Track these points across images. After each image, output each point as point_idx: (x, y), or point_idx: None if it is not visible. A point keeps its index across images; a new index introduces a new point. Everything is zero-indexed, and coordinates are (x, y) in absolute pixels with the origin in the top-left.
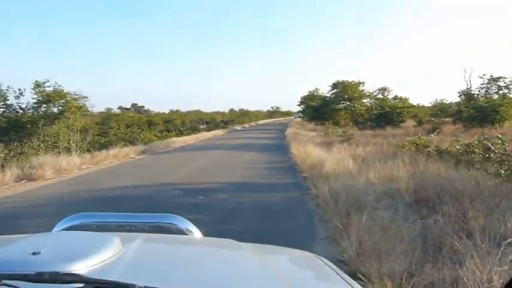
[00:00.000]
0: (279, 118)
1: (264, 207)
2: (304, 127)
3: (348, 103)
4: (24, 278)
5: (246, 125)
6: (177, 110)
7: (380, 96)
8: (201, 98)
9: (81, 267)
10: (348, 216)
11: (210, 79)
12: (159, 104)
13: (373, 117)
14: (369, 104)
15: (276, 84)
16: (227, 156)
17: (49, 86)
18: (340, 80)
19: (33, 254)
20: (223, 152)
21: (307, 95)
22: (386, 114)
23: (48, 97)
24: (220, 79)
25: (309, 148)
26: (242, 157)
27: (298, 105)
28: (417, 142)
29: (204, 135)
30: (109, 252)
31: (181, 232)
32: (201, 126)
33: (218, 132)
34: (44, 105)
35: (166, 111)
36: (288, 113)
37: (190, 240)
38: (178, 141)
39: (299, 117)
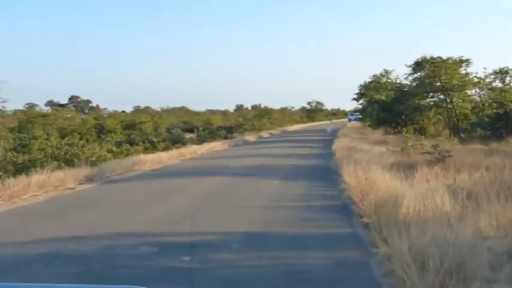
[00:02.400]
0: (321, 122)
1: (296, 277)
2: (364, 137)
3: (442, 96)
4: None
5: (265, 133)
6: (147, 108)
7: (498, 84)
8: (187, 88)
9: None
10: None
11: (204, 59)
12: (115, 98)
13: (485, 121)
14: (477, 98)
15: (315, 66)
16: (232, 187)
17: None
18: (428, 57)
19: None
20: (225, 180)
21: (370, 83)
22: (510, 115)
23: None
24: (220, 60)
25: (374, 174)
26: (258, 188)
27: (354, 99)
28: None
29: (192, 151)
30: None
31: None
32: (188, 136)
33: (217, 145)
34: None
35: (129, 110)
36: (335, 113)
37: None
38: (149, 160)
39: (355, 119)
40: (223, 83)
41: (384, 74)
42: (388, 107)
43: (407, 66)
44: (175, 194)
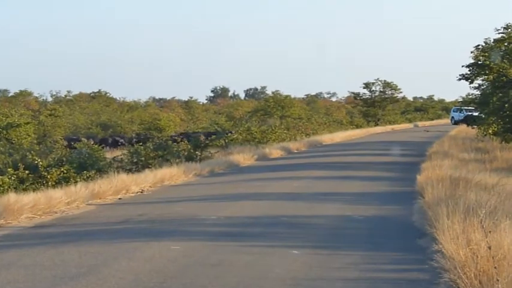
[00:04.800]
0: (394, 126)
1: None
2: (486, 157)
3: None
4: None
5: (275, 149)
6: (22, 95)
7: None
8: (110, 58)
9: None
10: None
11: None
12: None
13: None
14: None
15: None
16: (207, 265)
17: None
18: None
19: None
20: (191, 249)
21: (498, 42)
22: None
23: None
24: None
25: (508, 237)
26: (261, 268)
27: (463, 77)
28: None
29: (121, 188)
30: None
31: None
32: (111, 154)
33: (174, 174)
34: None
35: None
36: (424, 108)
37: None
38: (28, 206)
39: (464, 119)
40: (184, 47)
41: None
42: None
43: None
44: (86, 284)
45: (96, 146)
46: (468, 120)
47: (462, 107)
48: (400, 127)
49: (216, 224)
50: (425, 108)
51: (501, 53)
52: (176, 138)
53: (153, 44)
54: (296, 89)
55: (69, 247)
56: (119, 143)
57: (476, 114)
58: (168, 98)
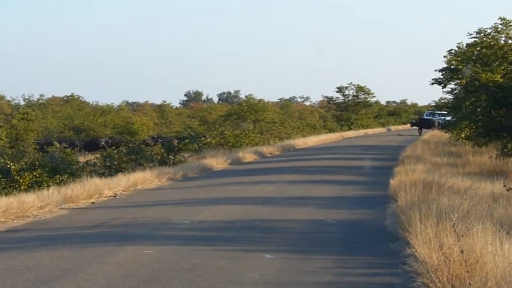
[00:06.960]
0: (367, 130)
1: None
2: (459, 161)
3: None
4: None
5: (248, 153)
6: None
7: None
8: (82, 63)
9: None
10: None
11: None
12: None
13: None
14: None
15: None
16: (179, 271)
17: None
18: None
19: None
20: (163, 254)
21: (471, 46)
22: None
23: None
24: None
25: (480, 241)
26: (231, 273)
27: (436, 81)
28: None
29: (94, 192)
30: None
31: None
32: (84, 158)
33: (147, 178)
34: None
35: None
36: (396, 112)
37: None
38: None
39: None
40: (156, 51)
41: (500, 28)
42: (509, 99)
43: None
44: None
45: (68, 150)
46: (422, 124)
47: (435, 111)
48: (373, 131)
49: (189, 228)
50: (398, 112)
51: (473, 57)
52: (150, 141)
53: (126, 48)
54: (269, 93)
55: (42, 251)
56: (100, 145)
57: (449, 118)
58: (141, 102)
